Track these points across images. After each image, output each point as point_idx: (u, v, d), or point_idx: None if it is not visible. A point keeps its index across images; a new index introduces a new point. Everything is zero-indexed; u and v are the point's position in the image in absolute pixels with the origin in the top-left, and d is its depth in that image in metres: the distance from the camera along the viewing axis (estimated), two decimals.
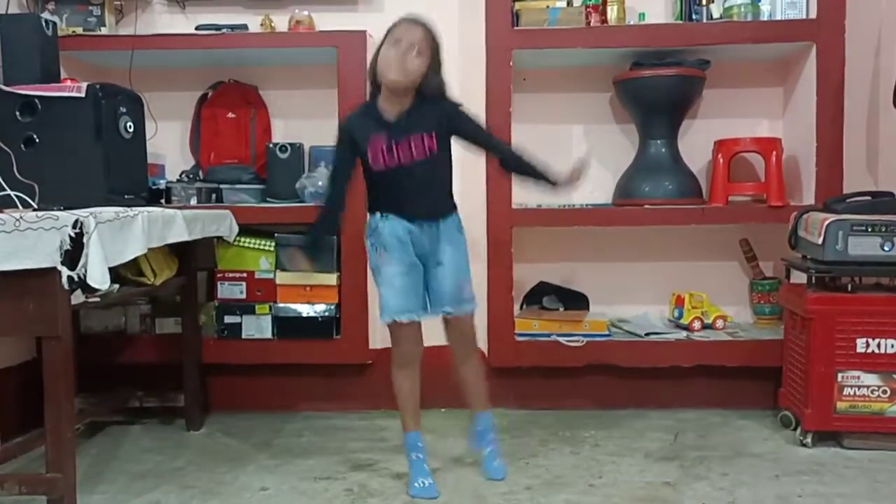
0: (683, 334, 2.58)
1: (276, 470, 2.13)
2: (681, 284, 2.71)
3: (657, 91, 2.56)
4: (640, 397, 2.64)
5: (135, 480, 2.06)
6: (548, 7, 2.54)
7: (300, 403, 2.69)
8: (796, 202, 2.55)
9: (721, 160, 2.58)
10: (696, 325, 2.60)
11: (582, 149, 2.76)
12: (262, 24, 2.65)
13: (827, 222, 2.16)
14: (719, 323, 2.62)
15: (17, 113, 2.05)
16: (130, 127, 2.20)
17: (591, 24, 2.54)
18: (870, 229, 2.15)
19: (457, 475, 2.07)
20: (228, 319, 2.57)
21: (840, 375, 2.18)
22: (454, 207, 2.03)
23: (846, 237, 2.15)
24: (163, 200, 2.59)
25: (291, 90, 2.80)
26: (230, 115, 2.80)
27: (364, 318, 2.54)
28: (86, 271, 1.63)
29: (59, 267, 1.61)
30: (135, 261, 1.96)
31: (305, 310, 2.57)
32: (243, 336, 2.57)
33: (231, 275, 2.58)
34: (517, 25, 2.53)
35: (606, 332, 2.57)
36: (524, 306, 2.73)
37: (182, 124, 2.83)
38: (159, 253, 2.19)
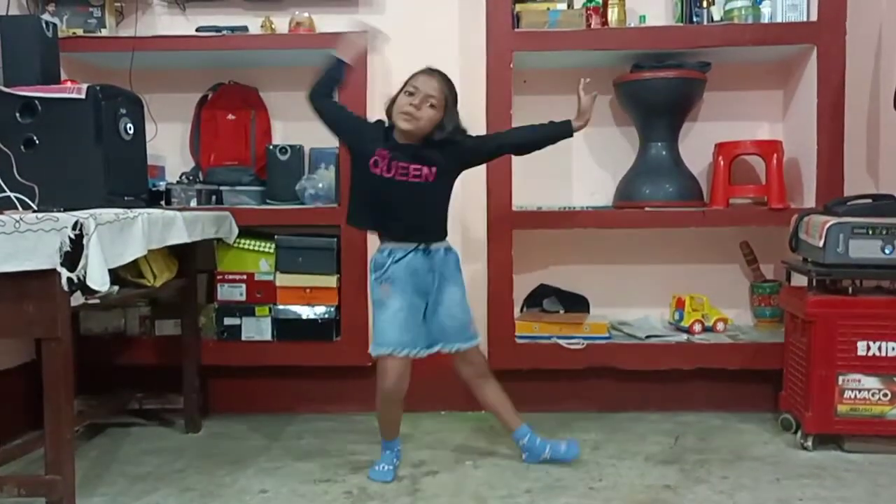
0: (684, 337, 2.58)
1: (275, 472, 2.13)
2: (681, 287, 2.70)
3: (658, 93, 2.56)
4: (641, 400, 2.63)
5: (134, 483, 2.05)
6: (548, 9, 2.55)
7: (300, 406, 2.69)
8: (797, 205, 2.55)
9: (722, 163, 2.58)
10: (697, 327, 2.59)
11: (582, 151, 2.76)
12: (262, 26, 2.65)
13: (828, 225, 2.16)
14: (720, 326, 2.62)
15: (18, 114, 2.05)
16: (130, 128, 2.20)
17: (592, 27, 2.54)
18: (871, 232, 2.14)
19: (456, 478, 2.07)
20: (228, 321, 2.56)
21: (841, 378, 2.18)
22: (443, 237, 2.08)
23: (847, 240, 2.15)
24: (163, 202, 2.59)
25: (292, 92, 2.78)
26: (230, 116, 2.80)
27: (364, 321, 2.54)
28: (85, 273, 1.63)
29: (59, 268, 1.61)
30: (135, 262, 1.96)
31: (305, 312, 2.56)
32: (243, 338, 2.57)
33: (231, 277, 2.57)
34: (518, 27, 2.53)
35: (607, 335, 2.57)
36: (524, 309, 2.73)
37: (182, 126, 2.83)
38: (159, 255, 2.19)
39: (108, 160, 2.08)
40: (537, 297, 2.73)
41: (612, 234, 2.70)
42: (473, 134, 2.12)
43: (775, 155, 2.54)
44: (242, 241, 2.55)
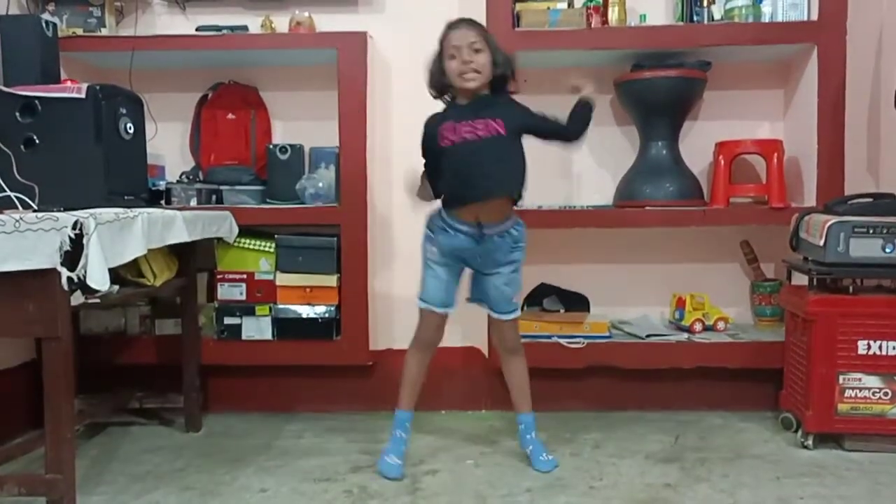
0: (684, 336, 2.57)
1: (275, 471, 2.13)
2: (682, 286, 2.70)
3: (658, 93, 2.55)
4: (641, 399, 2.63)
5: (134, 481, 2.05)
6: (549, 8, 2.54)
7: (300, 405, 2.69)
8: (797, 204, 2.55)
9: (722, 162, 2.57)
10: (697, 326, 2.59)
11: (582, 150, 2.76)
12: (262, 26, 2.65)
13: (828, 224, 2.16)
14: (720, 325, 2.62)
15: (18, 114, 2.05)
16: (130, 128, 2.20)
17: (592, 26, 2.54)
18: (871, 231, 2.14)
19: (457, 476, 2.07)
20: (228, 321, 2.56)
21: (841, 377, 2.18)
22: (515, 201, 2.07)
23: (847, 239, 2.15)
24: (163, 201, 2.59)
25: (292, 91, 2.80)
26: (230, 116, 2.80)
27: (364, 320, 2.54)
28: (85, 272, 1.62)
29: (59, 268, 1.60)
30: (135, 262, 1.96)
31: (305, 311, 2.56)
32: (243, 337, 2.56)
33: (231, 276, 2.57)
34: (518, 27, 2.53)
35: (607, 334, 2.57)
36: (525, 308, 2.72)
37: (182, 125, 2.83)
38: (159, 254, 2.19)
39: (108, 159, 2.08)
40: (538, 297, 2.73)
41: (613, 234, 2.70)
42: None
43: (776, 154, 2.54)
44: (242, 240, 2.55)
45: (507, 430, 2.38)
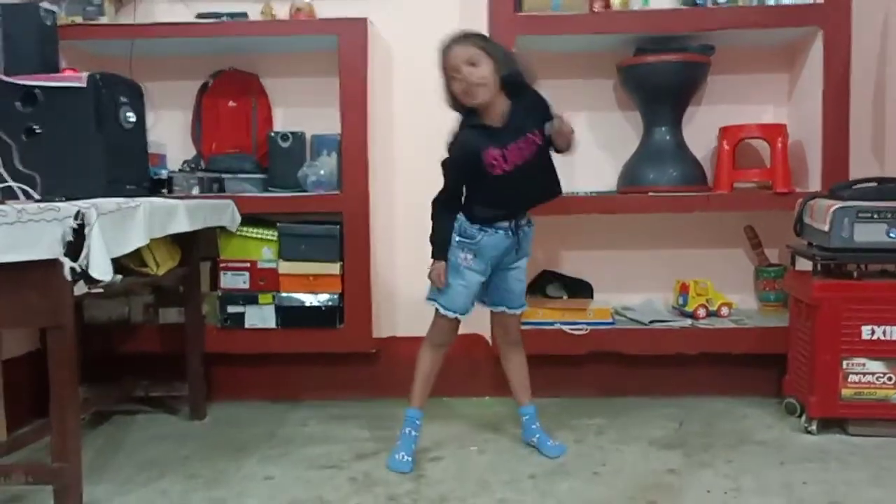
0: (688, 322, 2.57)
1: (280, 459, 2.14)
2: (685, 272, 2.69)
3: (661, 77, 2.53)
4: (645, 385, 2.64)
5: (140, 470, 2.06)
6: None
7: (304, 393, 2.69)
8: (802, 189, 2.53)
9: (726, 147, 2.56)
10: (701, 312, 2.59)
11: (585, 136, 2.74)
12: (262, 12, 2.63)
13: (833, 209, 2.15)
14: (724, 310, 2.61)
15: (18, 103, 2.04)
16: (131, 117, 2.19)
17: (595, 10, 2.51)
18: (876, 216, 2.13)
19: (461, 463, 2.08)
20: (231, 309, 2.56)
21: (845, 362, 2.18)
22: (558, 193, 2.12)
23: (852, 224, 2.14)
24: (164, 190, 2.58)
25: (292, 78, 2.78)
26: (231, 103, 2.79)
27: (367, 308, 2.54)
28: (88, 262, 1.62)
29: (62, 258, 1.61)
30: (137, 251, 1.95)
31: (309, 299, 2.56)
32: (246, 326, 2.56)
33: (234, 264, 2.57)
34: (520, 11, 2.50)
35: (610, 320, 2.57)
36: (528, 295, 2.72)
37: (183, 114, 2.81)
38: (162, 243, 2.19)
39: (109, 149, 2.08)
40: (541, 284, 2.72)
41: (616, 220, 2.69)
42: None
43: (780, 139, 2.52)
44: (245, 228, 2.54)
45: (511, 416, 2.38)
